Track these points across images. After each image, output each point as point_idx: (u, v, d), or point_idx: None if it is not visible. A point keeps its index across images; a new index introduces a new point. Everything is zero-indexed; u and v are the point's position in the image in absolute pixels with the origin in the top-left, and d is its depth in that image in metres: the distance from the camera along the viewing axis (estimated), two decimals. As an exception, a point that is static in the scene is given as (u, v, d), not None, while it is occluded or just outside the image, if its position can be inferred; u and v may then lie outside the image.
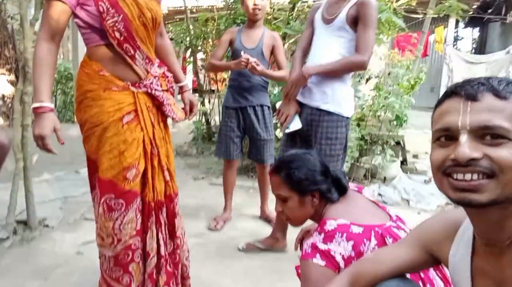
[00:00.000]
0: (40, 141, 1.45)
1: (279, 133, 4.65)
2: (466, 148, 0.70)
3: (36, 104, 1.44)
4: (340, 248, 1.18)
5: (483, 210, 0.72)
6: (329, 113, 2.07)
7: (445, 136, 0.75)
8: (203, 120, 5.56)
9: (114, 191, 1.55)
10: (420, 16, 5.20)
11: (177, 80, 1.89)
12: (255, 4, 2.58)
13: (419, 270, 1.08)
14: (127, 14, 1.49)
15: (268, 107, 2.83)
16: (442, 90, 7.75)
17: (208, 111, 5.63)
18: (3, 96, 4.67)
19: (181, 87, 1.93)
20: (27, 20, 2.56)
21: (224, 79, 5.55)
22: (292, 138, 2.24)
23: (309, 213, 1.37)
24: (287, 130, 2.19)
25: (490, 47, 11.78)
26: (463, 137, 0.71)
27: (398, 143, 4.30)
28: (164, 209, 1.67)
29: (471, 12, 8.42)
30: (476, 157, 0.69)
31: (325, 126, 2.09)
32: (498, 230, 0.75)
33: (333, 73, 2.05)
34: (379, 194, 3.69)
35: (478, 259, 0.83)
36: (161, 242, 1.66)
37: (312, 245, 1.21)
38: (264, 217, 2.96)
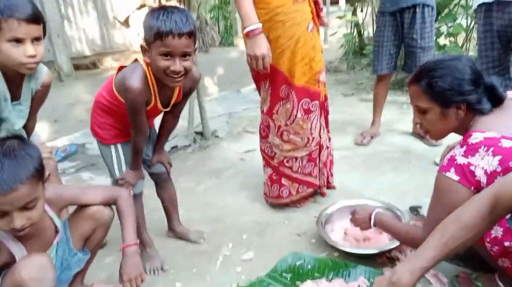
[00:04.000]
0: (261, 60, 1.63)
1: (445, 41, 4.08)
2: None
3: (250, 28, 1.61)
4: (483, 162, 1.08)
5: None
6: None
7: None
8: (355, 32, 5.27)
9: (308, 94, 1.81)
10: None
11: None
12: None
13: None
14: None
15: (432, 8, 2.51)
16: None
17: (361, 21, 5.28)
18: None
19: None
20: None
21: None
22: (490, 42, 2.06)
23: (452, 126, 1.26)
24: None
25: None
26: None
27: None
28: (324, 108, 1.94)
29: None
30: None
31: None
32: None
33: None
34: None
35: None
36: (325, 135, 1.98)
37: (451, 158, 1.15)
38: (417, 133, 2.81)
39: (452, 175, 1.13)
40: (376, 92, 2.86)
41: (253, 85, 2.03)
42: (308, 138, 1.89)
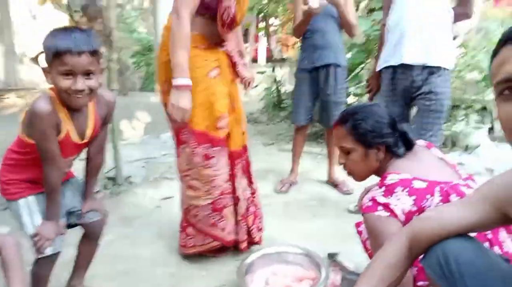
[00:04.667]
0: (182, 113, 1.62)
1: (352, 99, 4.50)
2: None
3: (182, 81, 1.59)
4: (400, 203, 1.14)
5: None
6: (438, 68, 2.05)
7: (509, 88, 0.68)
8: (274, 87, 5.58)
9: (209, 140, 1.74)
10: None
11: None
12: None
13: (487, 230, 1.01)
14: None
15: (343, 68, 2.77)
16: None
17: (279, 78, 5.63)
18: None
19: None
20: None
21: (296, 43, 5.47)
22: (394, 100, 2.25)
23: (373, 167, 1.33)
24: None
25: None
26: None
27: (485, 108, 3.88)
28: (243, 158, 1.89)
29: None
30: None
31: (433, 81, 2.07)
32: None
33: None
34: (460, 163, 3.42)
35: None
36: (244, 186, 1.89)
37: (372, 198, 1.20)
38: (331, 182, 2.95)
39: (381, 212, 1.17)
40: (294, 143, 2.97)
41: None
42: (209, 186, 1.78)
